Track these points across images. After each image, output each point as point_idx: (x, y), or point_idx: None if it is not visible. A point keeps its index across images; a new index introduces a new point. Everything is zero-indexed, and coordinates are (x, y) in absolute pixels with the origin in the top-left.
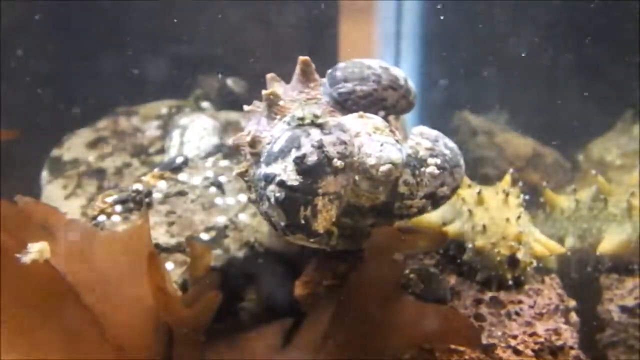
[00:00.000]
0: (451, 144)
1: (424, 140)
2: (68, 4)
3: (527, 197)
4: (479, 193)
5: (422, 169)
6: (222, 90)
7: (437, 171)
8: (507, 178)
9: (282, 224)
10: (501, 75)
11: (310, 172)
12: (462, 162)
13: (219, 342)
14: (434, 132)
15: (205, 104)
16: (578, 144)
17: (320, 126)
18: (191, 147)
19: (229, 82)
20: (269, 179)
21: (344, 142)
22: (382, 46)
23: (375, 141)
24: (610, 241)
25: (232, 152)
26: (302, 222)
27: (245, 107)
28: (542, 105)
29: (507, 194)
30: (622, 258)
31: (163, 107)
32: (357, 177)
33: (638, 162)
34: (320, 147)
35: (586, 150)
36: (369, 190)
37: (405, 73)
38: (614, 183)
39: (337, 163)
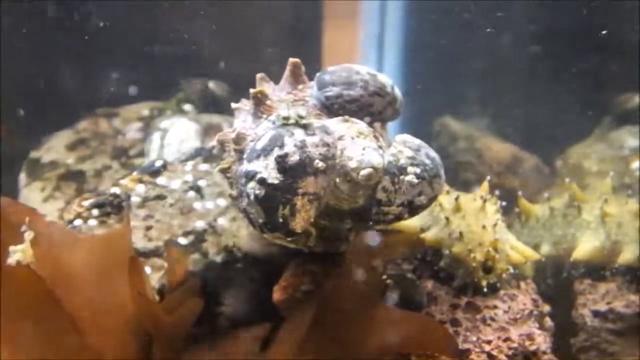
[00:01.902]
0: (433, 154)
1: (406, 148)
2: (50, 5)
3: (504, 203)
4: (456, 199)
5: (402, 177)
6: (204, 93)
7: (415, 180)
8: (485, 185)
9: (260, 221)
10: (482, 80)
11: (291, 171)
12: (442, 172)
13: (197, 347)
14: (417, 141)
15: (187, 107)
16: (557, 149)
17: (305, 127)
18: (171, 151)
19: (211, 85)
20: (249, 175)
21: (326, 144)
22: (365, 49)
23: (357, 145)
24: (584, 248)
25: (212, 156)
26: (280, 220)
27: (233, 105)
28: (523, 110)
29: (484, 201)
30: (596, 264)
31: (144, 109)
32: (337, 180)
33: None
34: (302, 147)
35: (565, 156)
36: (349, 194)
37: (390, 78)
38: (590, 189)
39: (319, 164)
